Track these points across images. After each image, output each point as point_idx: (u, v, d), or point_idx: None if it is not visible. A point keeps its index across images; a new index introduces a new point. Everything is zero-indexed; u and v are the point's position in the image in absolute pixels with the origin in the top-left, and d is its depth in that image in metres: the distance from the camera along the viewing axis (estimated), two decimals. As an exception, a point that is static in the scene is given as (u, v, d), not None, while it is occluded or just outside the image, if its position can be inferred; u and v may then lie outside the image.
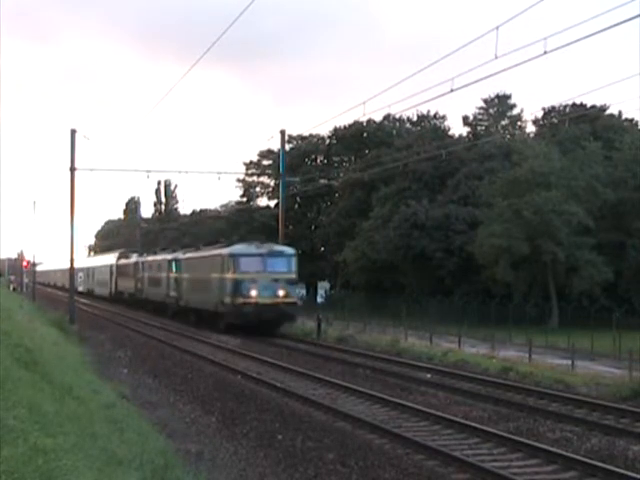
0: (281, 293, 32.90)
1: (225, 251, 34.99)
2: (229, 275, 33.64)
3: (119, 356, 25.03)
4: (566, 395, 17.77)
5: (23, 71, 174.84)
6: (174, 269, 42.89)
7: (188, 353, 26.45)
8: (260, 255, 33.60)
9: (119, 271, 61.24)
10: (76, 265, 78.12)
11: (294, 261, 34.41)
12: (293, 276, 34.02)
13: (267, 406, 15.97)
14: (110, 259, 66.62)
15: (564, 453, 11.80)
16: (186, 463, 10.31)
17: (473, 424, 13.94)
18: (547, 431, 13.78)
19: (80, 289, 75.50)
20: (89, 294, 73.09)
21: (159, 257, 48.81)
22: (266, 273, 33.08)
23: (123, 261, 60.87)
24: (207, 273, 36.67)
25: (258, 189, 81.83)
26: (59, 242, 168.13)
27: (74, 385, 13.07)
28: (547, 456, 11.78)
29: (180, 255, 43.09)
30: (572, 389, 19.29)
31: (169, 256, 45.20)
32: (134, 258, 56.73)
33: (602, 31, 15.24)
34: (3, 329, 15.36)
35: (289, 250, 35.27)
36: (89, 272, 76.17)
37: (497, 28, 16.79)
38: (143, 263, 52.29)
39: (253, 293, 32.56)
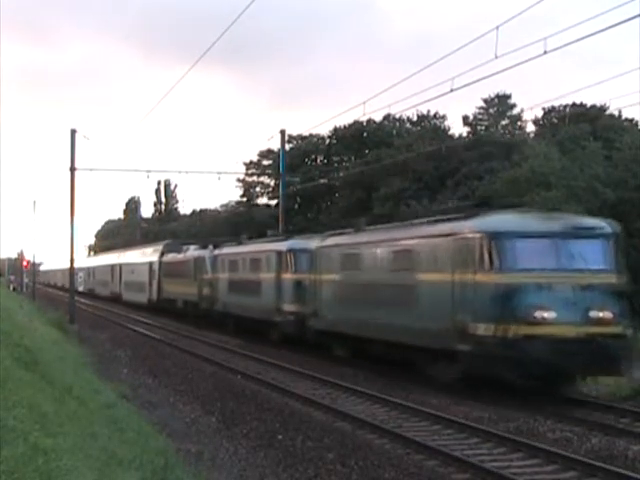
0: (599, 314, 16.28)
1: (471, 228, 17.33)
2: (484, 277, 16.60)
3: (119, 356, 25.02)
4: (566, 395, 17.73)
5: (23, 71, 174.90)
6: (294, 266, 27.02)
7: (188, 353, 26.44)
8: (552, 236, 16.71)
9: (166, 270, 45.51)
10: (93, 263, 74.69)
11: (616, 248, 17.34)
12: (614, 280, 16.89)
13: (267, 406, 15.96)
14: (148, 254, 51.32)
15: (564, 453, 11.80)
16: (186, 463, 10.31)
17: (473, 424, 13.94)
18: (547, 431, 13.77)
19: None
20: (114, 300, 59.28)
21: (254, 248, 31.98)
22: (566, 273, 16.50)
23: (174, 256, 44.70)
24: (406, 273, 19.36)
25: (258, 189, 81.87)
26: (59, 242, 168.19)
27: (74, 385, 13.09)
28: (547, 456, 11.77)
29: (311, 243, 25.86)
30: (572, 389, 19.25)
31: (280, 246, 28.36)
32: (194, 251, 41.09)
33: (602, 31, 15.27)
34: (3, 329, 15.37)
35: (605, 227, 17.50)
36: (114, 271, 61.03)
37: (497, 28, 16.82)
38: (217, 258, 35.87)
39: (545, 315, 15.96)
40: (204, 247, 39.66)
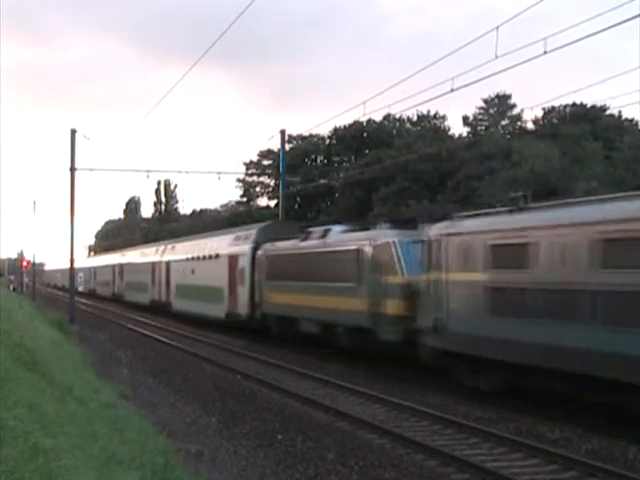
0: None
1: None
2: None
3: (119, 356, 25.01)
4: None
5: (23, 71, 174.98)
6: None
7: (188, 353, 26.43)
8: None
9: (273, 269, 27.79)
10: (118, 260, 63.11)
11: None
12: None
13: (267, 406, 15.96)
14: (225, 244, 33.54)
15: (564, 453, 11.79)
16: (186, 463, 10.31)
17: (473, 424, 13.93)
18: (547, 431, 13.76)
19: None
20: (157, 309, 44.67)
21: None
22: None
23: (292, 246, 26.41)
24: None
25: (258, 189, 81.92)
26: (59, 242, 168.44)
27: (74, 385, 13.09)
28: (547, 456, 11.76)
29: None
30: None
31: None
32: (349, 234, 23.09)
33: (602, 31, 15.29)
34: (3, 329, 15.38)
35: None
36: (156, 271, 45.02)
37: (497, 28, 16.83)
38: (441, 243, 17.05)
39: None
40: (364, 228, 22.70)
